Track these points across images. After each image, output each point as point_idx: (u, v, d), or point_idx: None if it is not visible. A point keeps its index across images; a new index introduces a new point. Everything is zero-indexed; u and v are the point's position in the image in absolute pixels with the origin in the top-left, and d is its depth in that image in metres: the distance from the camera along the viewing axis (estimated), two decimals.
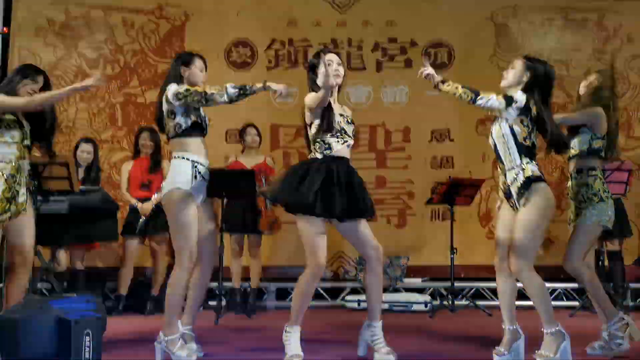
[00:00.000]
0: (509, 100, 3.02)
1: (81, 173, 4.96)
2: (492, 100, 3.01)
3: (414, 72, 5.94)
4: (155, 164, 5.06)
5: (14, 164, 3.21)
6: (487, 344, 3.43)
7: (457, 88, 3.07)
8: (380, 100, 6.08)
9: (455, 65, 6.08)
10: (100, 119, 5.98)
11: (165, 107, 3.13)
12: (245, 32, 6.09)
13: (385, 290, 5.52)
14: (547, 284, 3.12)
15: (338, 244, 5.49)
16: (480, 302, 5.37)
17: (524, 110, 3.04)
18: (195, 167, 3.10)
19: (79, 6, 6.01)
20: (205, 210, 3.24)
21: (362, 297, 5.19)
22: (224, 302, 4.88)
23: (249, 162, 5.15)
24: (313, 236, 3.05)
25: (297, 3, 6.15)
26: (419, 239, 5.88)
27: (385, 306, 5.23)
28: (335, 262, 5.77)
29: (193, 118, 3.12)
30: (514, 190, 3.04)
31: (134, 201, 5.02)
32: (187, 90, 3.04)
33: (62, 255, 4.89)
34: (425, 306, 5.23)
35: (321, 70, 3.09)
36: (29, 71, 3.40)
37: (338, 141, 3.15)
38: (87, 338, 2.90)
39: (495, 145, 3.13)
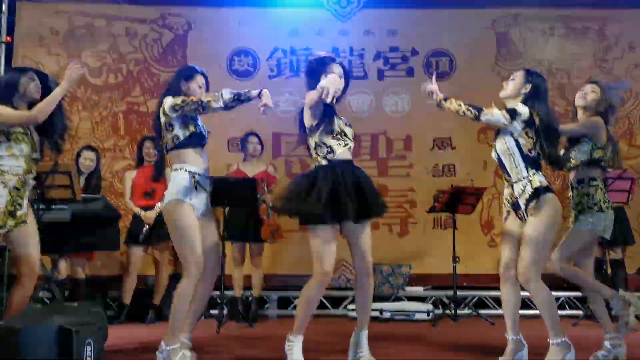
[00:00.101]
0: (513, 114, 3.03)
1: (82, 181, 4.97)
2: (497, 115, 3.03)
3: (416, 81, 6.08)
4: (159, 173, 5.06)
5: (20, 177, 3.21)
6: (490, 353, 3.42)
7: (459, 105, 3.08)
8: (381, 109, 6.09)
9: (457, 74, 6.10)
10: (103, 127, 6.00)
11: (162, 119, 3.15)
12: (247, 41, 6.12)
13: (387, 299, 5.52)
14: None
15: (340, 252, 5.46)
16: (483, 311, 5.35)
17: (529, 122, 3.05)
18: (194, 178, 3.11)
19: (83, 16, 6.04)
20: (207, 221, 3.24)
21: None
22: (225, 311, 4.87)
23: (250, 170, 5.16)
24: (322, 245, 3.05)
25: (299, 12, 6.18)
26: (420, 248, 5.87)
27: (387, 315, 5.23)
28: (337, 271, 5.75)
29: (191, 129, 3.14)
30: (522, 202, 3.06)
31: (137, 210, 5.02)
32: (183, 101, 3.07)
33: (62, 264, 4.89)
34: (428, 315, 5.22)
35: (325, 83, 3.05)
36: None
37: (339, 144, 3.15)
38: (89, 347, 2.90)
39: (499, 159, 3.15)
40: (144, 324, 4.91)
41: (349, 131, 3.23)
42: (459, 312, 5.19)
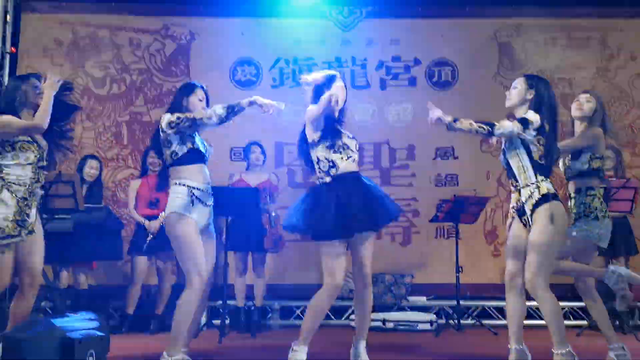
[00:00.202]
0: (525, 123, 3.04)
1: (85, 190, 4.97)
2: (509, 127, 3.03)
3: (418, 90, 6.10)
4: (163, 182, 5.06)
5: (27, 187, 3.22)
6: None
7: (470, 124, 3.06)
8: (384, 118, 6.10)
9: (459, 84, 6.11)
10: (106, 137, 6.01)
11: (162, 135, 3.21)
12: (250, 51, 6.14)
13: (390, 308, 5.50)
14: None
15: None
16: (486, 321, 5.32)
17: (540, 130, 3.06)
18: (192, 192, 3.15)
19: (86, 26, 6.08)
20: (207, 237, 3.27)
21: None
22: (227, 321, 4.85)
23: (253, 180, 5.16)
24: (333, 258, 3.08)
25: (301, 22, 6.20)
26: (423, 257, 5.85)
27: (391, 325, 5.21)
28: None
29: (189, 145, 3.19)
30: (528, 208, 3.06)
31: (141, 219, 5.02)
32: (178, 118, 3.13)
33: (64, 273, 4.89)
34: (431, 325, 5.19)
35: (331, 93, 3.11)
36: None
37: (342, 157, 3.17)
38: (91, 358, 2.89)
39: (508, 163, 3.15)
40: (147, 333, 4.89)
41: (352, 143, 3.24)
42: (462, 322, 5.15)
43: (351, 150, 3.23)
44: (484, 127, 3.03)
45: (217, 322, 4.90)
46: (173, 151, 3.19)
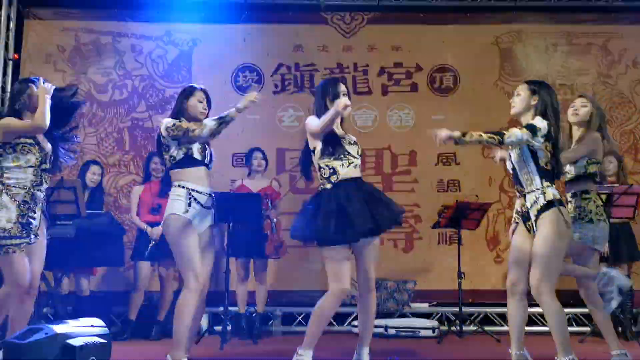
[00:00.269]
0: (534, 130, 3.04)
1: (87, 195, 4.98)
2: (518, 135, 3.02)
3: (420, 96, 6.10)
4: (165, 188, 5.05)
5: (27, 190, 3.22)
6: None
7: (480, 136, 3.02)
8: (386, 124, 6.10)
9: (460, 90, 6.11)
10: (108, 143, 6.02)
11: (161, 140, 3.28)
12: (252, 57, 6.15)
13: (392, 315, 5.48)
14: None
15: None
16: (488, 328, 5.29)
17: (548, 136, 3.06)
18: (191, 194, 3.19)
19: (89, 33, 6.10)
20: (206, 243, 3.29)
21: None
22: (229, 327, 4.84)
23: (255, 185, 5.16)
24: (338, 262, 3.09)
25: (303, 28, 6.22)
26: (426, 263, 5.84)
27: (393, 332, 5.18)
28: None
29: (184, 150, 3.24)
30: (533, 213, 3.05)
31: (143, 226, 5.02)
32: (174, 124, 3.19)
33: (65, 279, 4.88)
34: (433, 332, 5.17)
35: (337, 102, 3.12)
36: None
37: (343, 164, 3.18)
38: None
39: (514, 169, 3.15)
40: (149, 340, 4.88)
41: (353, 149, 3.26)
42: (464, 328, 5.13)
43: (352, 156, 3.24)
44: (494, 137, 3.02)
45: (218, 328, 4.89)
46: (171, 155, 3.26)
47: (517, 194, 3.19)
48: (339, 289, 3.08)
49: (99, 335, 3.20)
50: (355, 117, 5.98)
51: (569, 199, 3.47)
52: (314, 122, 3.20)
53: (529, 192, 3.09)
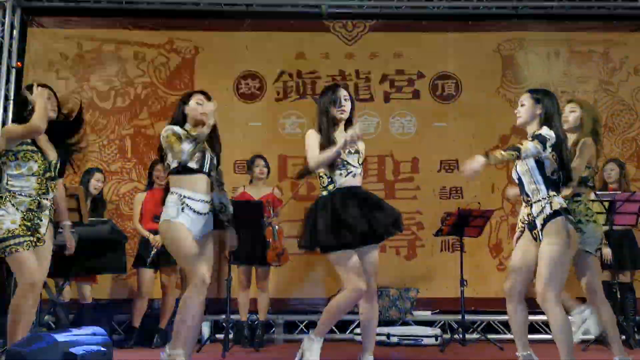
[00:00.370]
0: (544, 141, 3.03)
1: (90, 203, 4.98)
2: (532, 147, 3.01)
3: (422, 103, 6.10)
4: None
5: (33, 198, 3.22)
6: None
7: (501, 155, 2.98)
8: (388, 131, 6.10)
9: (462, 97, 6.12)
10: (110, 150, 6.02)
11: (161, 146, 3.33)
12: (254, 64, 6.16)
13: (394, 323, 5.46)
14: None
15: None
16: (491, 336, 5.27)
17: (555, 145, 3.07)
18: (183, 200, 3.20)
19: (91, 40, 6.12)
20: (202, 243, 3.29)
21: None
22: (231, 335, 4.82)
23: (256, 193, 5.16)
24: (344, 265, 3.13)
25: (305, 36, 6.24)
26: (428, 271, 5.82)
27: (395, 340, 5.16)
28: None
29: (196, 149, 3.24)
30: (539, 222, 3.06)
31: (146, 233, 5.01)
32: (167, 136, 3.23)
33: (67, 287, 4.87)
34: (436, 340, 5.14)
35: (343, 141, 3.15)
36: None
37: (341, 173, 3.22)
38: None
39: (520, 179, 3.15)
40: (151, 348, 4.86)
41: (353, 159, 3.28)
42: (467, 336, 5.12)
43: (352, 165, 3.27)
44: (512, 153, 2.99)
45: (220, 336, 4.88)
46: (167, 163, 3.30)
47: (523, 203, 3.19)
48: (353, 288, 3.10)
49: (101, 344, 3.19)
50: (356, 121, 5.98)
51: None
52: (312, 155, 3.23)
53: (535, 202, 3.09)
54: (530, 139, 3.06)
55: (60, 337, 3.00)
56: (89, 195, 4.99)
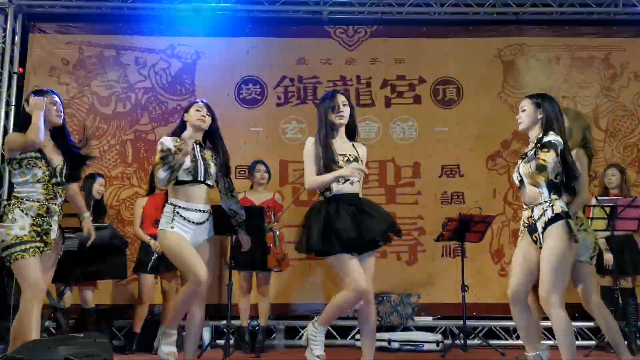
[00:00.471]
0: (556, 148, 3.04)
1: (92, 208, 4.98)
2: (552, 160, 3.01)
3: (423, 108, 6.10)
4: None
5: (41, 203, 3.20)
6: None
7: (539, 179, 3.01)
8: (389, 136, 6.10)
9: (463, 102, 6.12)
10: (111, 155, 6.02)
11: None
12: (255, 69, 6.17)
13: (395, 328, 5.44)
14: None
15: None
16: (493, 341, 5.26)
17: (561, 151, 3.08)
18: (175, 210, 3.27)
19: (93, 46, 6.12)
20: (201, 250, 3.31)
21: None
22: (232, 341, 4.81)
23: (257, 198, 5.15)
24: (342, 267, 3.12)
25: (306, 41, 6.25)
26: (429, 276, 5.81)
27: (396, 345, 5.15)
28: None
29: (178, 164, 3.29)
30: (540, 225, 3.06)
31: (147, 238, 5.01)
32: (160, 150, 3.29)
33: (68, 293, 4.86)
34: (437, 345, 5.13)
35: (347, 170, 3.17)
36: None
37: (339, 181, 3.22)
38: None
39: (522, 181, 3.15)
40: (151, 353, 4.85)
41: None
42: (468, 342, 5.10)
43: None
44: (544, 173, 3.00)
45: (221, 341, 4.86)
46: None
47: (524, 205, 3.19)
48: (352, 288, 3.10)
49: (102, 350, 3.18)
50: (359, 129, 5.96)
51: None
52: (307, 175, 3.24)
53: (537, 205, 3.09)
54: (540, 145, 3.05)
55: (61, 343, 2.98)
56: (91, 200, 4.98)
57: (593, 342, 5.22)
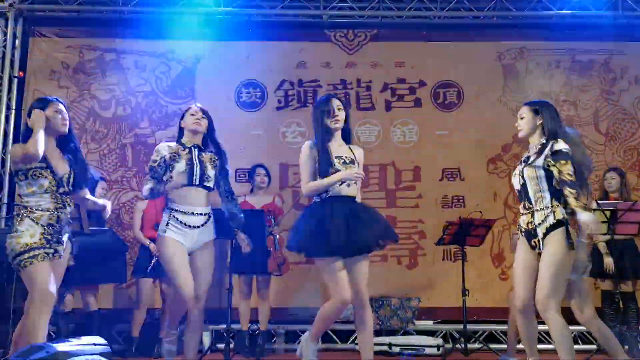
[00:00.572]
0: (566, 157, 3.05)
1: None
2: (572, 170, 3.03)
3: (423, 112, 6.11)
4: None
5: (51, 212, 3.18)
6: None
7: (584, 203, 3.03)
8: (389, 140, 6.10)
9: (464, 105, 6.12)
10: (111, 159, 6.02)
11: None
12: (255, 73, 6.17)
13: (396, 332, 5.43)
14: None
15: None
16: (493, 345, 5.25)
17: None
18: (172, 214, 3.30)
19: (93, 50, 6.13)
20: (199, 255, 3.31)
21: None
22: (232, 345, 4.80)
23: (257, 202, 5.14)
24: (330, 274, 3.11)
25: (306, 45, 6.25)
26: (430, 280, 5.80)
27: (397, 349, 5.14)
28: None
29: (167, 176, 3.32)
30: (540, 231, 3.06)
31: (147, 241, 5.00)
32: (155, 153, 3.34)
33: (68, 297, 4.85)
34: (438, 349, 5.12)
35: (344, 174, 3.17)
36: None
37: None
38: None
39: (524, 185, 3.15)
40: (151, 357, 4.83)
41: (349, 170, 3.26)
42: (469, 346, 5.08)
43: None
44: (573, 185, 3.00)
45: (221, 346, 4.85)
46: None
47: (524, 210, 3.18)
48: (337, 299, 3.09)
49: (101, 354, 3.17)
50: (359, 132, 5.99)
51: None
52: (304, 180, 3.24)
53: (537, 210, 3.09)
54: (551, 153, 3.05)
55: (61, 347, 2.98)
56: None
57: (594, 347, 5.21)
